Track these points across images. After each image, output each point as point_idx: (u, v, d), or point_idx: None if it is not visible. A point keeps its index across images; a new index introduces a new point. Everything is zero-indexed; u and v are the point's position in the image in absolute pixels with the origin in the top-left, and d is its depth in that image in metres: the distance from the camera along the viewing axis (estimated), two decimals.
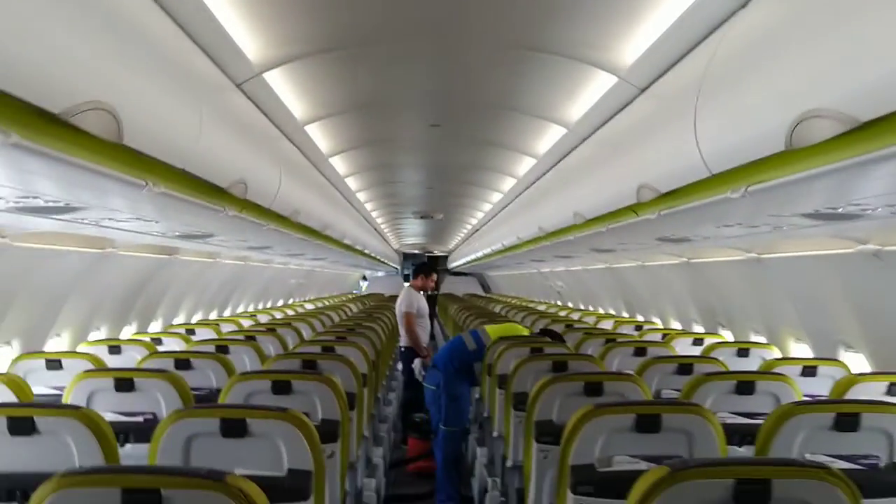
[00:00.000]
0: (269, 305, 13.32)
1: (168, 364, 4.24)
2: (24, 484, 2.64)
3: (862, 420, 2.78)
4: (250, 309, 11.92)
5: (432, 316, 11.76)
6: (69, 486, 1.82)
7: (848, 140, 1.65)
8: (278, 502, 2.15)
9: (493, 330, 5.76)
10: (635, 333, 7.13)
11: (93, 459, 2.59)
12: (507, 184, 8.79)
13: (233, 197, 3.63)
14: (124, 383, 3.52)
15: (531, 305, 13.08)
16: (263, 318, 9.28)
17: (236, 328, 7.60)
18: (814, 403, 3.06)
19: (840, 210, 2.57)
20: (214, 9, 3.08)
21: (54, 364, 4.31)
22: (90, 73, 1.88)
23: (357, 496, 4.66)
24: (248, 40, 3.61)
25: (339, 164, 7.30)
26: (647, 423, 2.77)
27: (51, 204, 2.88)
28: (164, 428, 2.60)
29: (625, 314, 10.03)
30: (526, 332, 5.95)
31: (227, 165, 3.43)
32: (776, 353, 5.23)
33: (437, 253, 24.85)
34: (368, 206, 11.84)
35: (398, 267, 25.33)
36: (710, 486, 1.95)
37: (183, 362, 4.36)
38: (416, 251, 24.78)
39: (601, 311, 11.09)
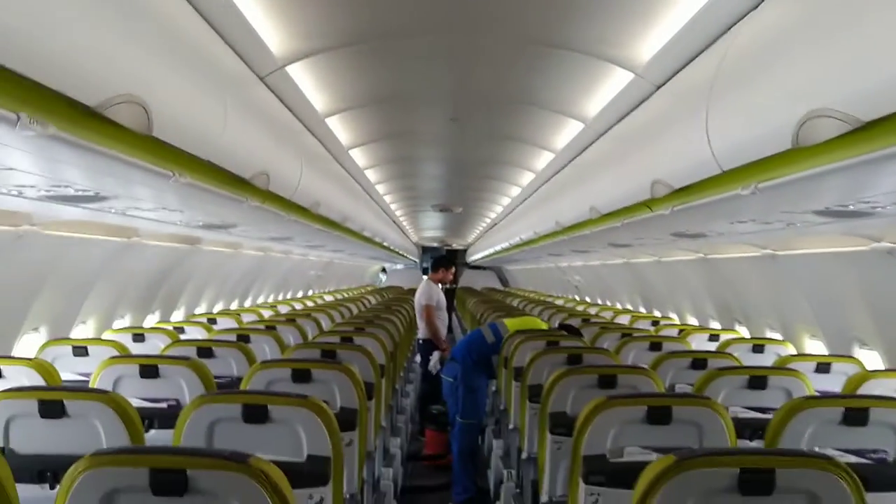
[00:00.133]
0: (288, 296, 13.44)
1: (191, 352, 4.33)
2: (54, 465, 2.75)
3: (871, 415, 2.81)
4: (270, 299, 12.05)
5: (450, 309, 11.84)
6: (100, 465, 1.89)
7: (852, 139, 1.70)
8: (298, 487, 2.22)
9: (511, 323, 5.81)
10: (652, 329, 7.16)
11: (119, 442, 2.68)
12: (526, 178, 8.82)
13: (255, 188, 3.71)
14: (149, 370, 3.61)
15: (549, 300, 13.11)
16: (283, 309, 9.40)
17: (257, 318, 7.72)
18: (823, 398, 3.10)
19: (851, 207, 2.60)
20: (240, 3, 3.16)
21: (81, 350, 4.42)
22: (123, 67, 1.96)
23: (374, 485, 4.74)
24: (272, 34, 3.67)
25: (359, 156, 7.37)
26: (658, 415, 2.82)
27: (80, 193, 2.98)
28: (188, 413, 2.68)
29: (642, 309, 10.04)
30: (544, 326, 5.99)
31: (251, 157, 3.50)
32: (791, 350, 5.25)
33: (456, 246, 24.85)
34: (388, 199, 11.90)
35: (417, 260, 25.37)
36: (716, 474, 2.00)
37: (205, 350, 4.45)
38: (435, 244, 24.80)
39: (618, 306, 11.11)
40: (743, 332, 6.61)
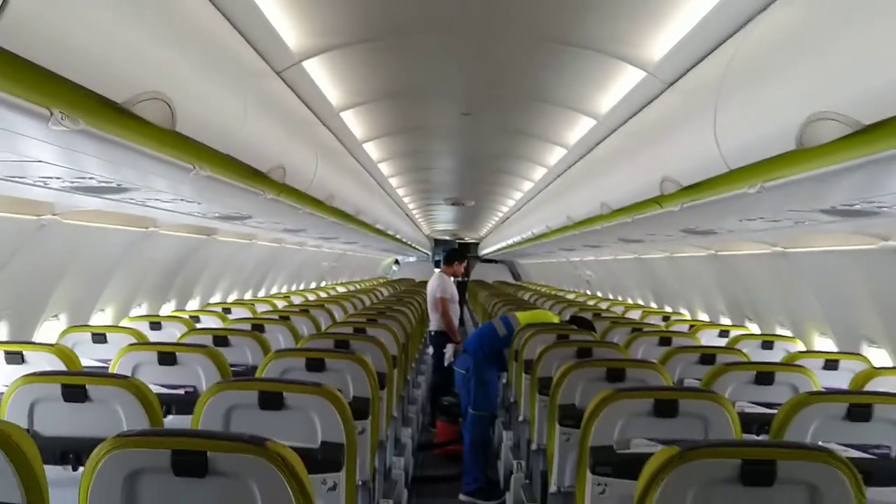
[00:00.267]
0: (301, 287, 13.54)
1: (207, 340, 4.40)
2: (76, 447, 2.83)
3: (874, 411, 2.84)
4: (283, 290, 12.15)
5: (462, 302, 11.90)
6: (124, 446, 1.96)
7: (853, 142, 1.75)
8: (312, 472, 2.29)
9: (522, 316, 5.85)
10: (662, 324, 7.19)
11: (139, 426, 2.74)
12: (538, 173, 8.85)
13: (272, 181, 3.77)
14: (167, 357, 3.69)
15: (560, 294, 13.15)
16: (297, 300, 9.49)
17: (270, 308, 7.81)
18: (827, 394, 3.14)
19: (857, 206, 2.64)
20: (259, 1, 3.22)
21: (100, 337, 4.52)
22: (149, 66, 2.03)
23: (386, 474, 4.82)
24: (289, 30, 3.74)
25: (373, 149, 7.43)
26: (665, 408, 2.86)
27: (103, 184, 3.06)
28: (206, 399, 2.74)
29: (653, 305, 10.05)
30: (556, 320, 6.02)
31: (268, 150, 3.57)
32: (800, 347, 5.27)
33: (468, 240, 24.90)
34: (400, 192, 11.96)
35: (429, 253, 25.44)
36: (718, 465, 2.05)
37: (221, 339, 4.53)
38: (448, 237, 24.85)
39: (630, 301, 11.13)
40: (753, 328, 6.63)
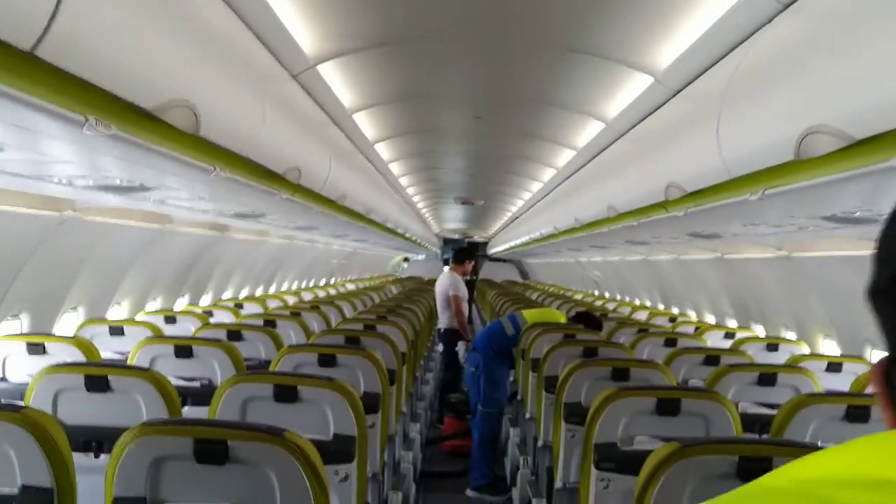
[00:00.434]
0: (311, 284, 13.65)
1: (221, 335, 4.50)
2: (98, 435, 2.93)
3: (873, 412, 2.90)
4: (294, 287, 12.26)
5: (470, 300, 11.98)
6: (149, 434, 2.05)
7: (847, 155, 1.83)
8: (325, 463, 2.38)
9: (530, 315, 5.93)
10: (669, 325, 7.25)
11: (159, 416, 2.82)
12: (547, 174, 8.91)
13: (288, 182, 3.86)
14: (184, 350, 3.79)
15: (568, 294, 13.20)
16: (307, 296, 9.60)
17: (281, 304, 7.93)
18: (827, 395, 3.21)
19: (857, 214, 2.72)
20: (276, 7, 3.32)
21: (117, 330, 4.64)
22: (177, 74, 2.13)
23: (395, 467, 4.91)
24: (304, 35, 3.81)
25: (384, 150, 7.50)
26: (667, 407, 2.92)
27: (126, 184, 3.17)
28: (223, 390, 2.83)
29: (660, 306, 10.11)
30: (563, 319, 6.09)
31: (284, 152, 3.66)
32: (805, 349, 5.34)
33: (477, 239, 24.92)
34: (410, 191, 12.02)
35: (438, 251, 25.50)
36: (716, 461, 2.12)
37: (235, 334, 4.63)
38: (457, 236, 24.87)
39: (637, 302, 11.18)
40: (759, 330, 6.69)
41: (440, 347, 8.60)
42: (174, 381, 3.65)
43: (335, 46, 4.08)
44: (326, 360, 3.65)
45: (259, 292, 10.11)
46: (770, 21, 2.54)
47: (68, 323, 4.97)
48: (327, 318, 6.55)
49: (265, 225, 6.90)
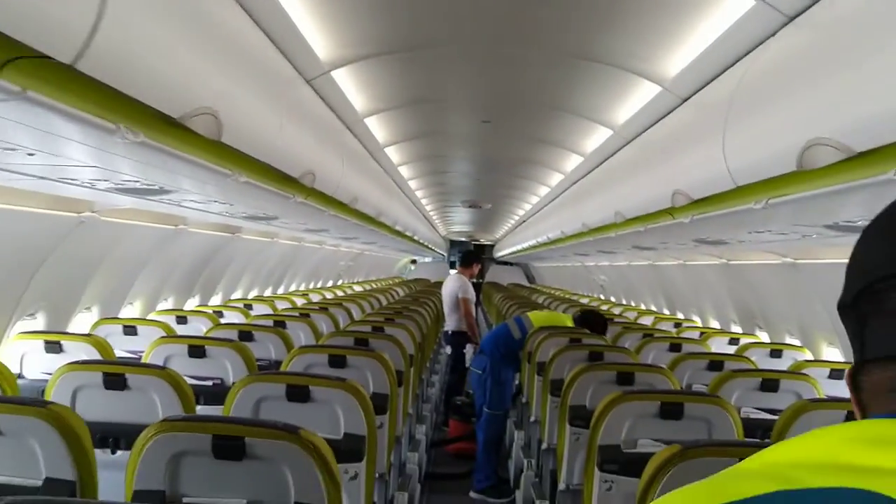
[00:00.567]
0: (319, 286, 13.73)
1: (232, 335, 4.55)
2: (115, 431, 3.00)
3: None
4: (302, 288, 12.33)
5: (476, 303, 12.01)
6: (169, 430, 2.12)
7: (847, 167, 1.89)
8: (336, 461, 2.46)
9: (536, 318, 5.95)
10: (674, 330, 7.29)
11: (174, 414, 2.90)
12: (555, 179, 8.97)
13: (302, 186, 3.94)
14: (197, 350, 3.85)
15: (574, 298, 13.23)
16: (315, 298, 9.66)
17: (290, 305, 8.00)
18: (827, 401, 3.26)
19: (859, 223, 2.77)
20: (293, 15, 3.40)
21: (130, 330, 4.70)
22: (201, 83, 2.21)
23: (401, 468, 4.97)
24: (319, 41, 3.90)
25: (394, 153, 7.57)
26: (670, 411, 2.95)
27: (145, 187, 3.25)
28: (237, 390, 2.88)
29: (665, 311, 10.13)
30: (569, 322, 6.10)
31: (300, 157, 3.73)
32: (808, 356, 5.36)
33: (484, 242, 24.98)
34: (419, 194, 12.09)
35: (445, 253, 25.55)
36: (717, 463, 2.18)
37: (246, 334, 4.68)
38: (463, 239, 24.95)
39: (642, 306, 11.20)
40: (763, 336, 6.72)
41: (447, 350, 8.64)
42: (187, 380, 3.75)
43: (348, 52, 4.15)
44: (337, 361, 3.71)
45: (268, 293, 10.18)
46: (775, 34, 2.60)
47: (81, 323, 5.05)
48: (336, 319, 6.61)
49: (276, 227, 6.97)
